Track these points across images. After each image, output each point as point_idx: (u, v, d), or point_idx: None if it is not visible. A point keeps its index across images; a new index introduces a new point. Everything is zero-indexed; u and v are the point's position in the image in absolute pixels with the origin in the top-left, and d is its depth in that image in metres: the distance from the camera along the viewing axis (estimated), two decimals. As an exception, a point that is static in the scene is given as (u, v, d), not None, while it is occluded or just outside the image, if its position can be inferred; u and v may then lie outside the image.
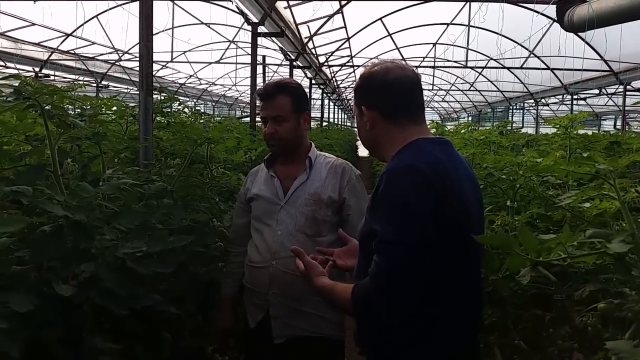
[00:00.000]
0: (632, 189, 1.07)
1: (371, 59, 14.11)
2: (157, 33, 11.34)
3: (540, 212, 1.71)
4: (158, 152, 2.72)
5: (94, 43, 12.60)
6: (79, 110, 1.73)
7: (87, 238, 1.36)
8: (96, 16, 10.93)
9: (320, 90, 16.24)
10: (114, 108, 2.59)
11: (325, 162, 2.19)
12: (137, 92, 2.78)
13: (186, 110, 3.33)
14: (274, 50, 11.18)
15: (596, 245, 1.00)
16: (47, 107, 1.39)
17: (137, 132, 2.56)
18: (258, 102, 2.21)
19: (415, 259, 1.29)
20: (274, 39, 7.04)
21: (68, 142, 1.78)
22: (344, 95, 25.62)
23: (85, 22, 11.07)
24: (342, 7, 8.20)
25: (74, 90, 2.45)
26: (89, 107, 1.71)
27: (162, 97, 2.85)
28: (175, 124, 2.70)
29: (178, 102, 3.19)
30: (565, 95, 15.90)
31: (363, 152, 19.94)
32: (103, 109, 2.45)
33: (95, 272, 1.30)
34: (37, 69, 12.67)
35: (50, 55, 12.67)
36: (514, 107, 22.23)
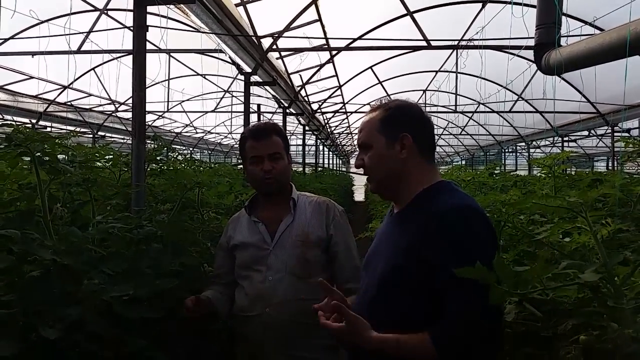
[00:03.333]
0: (603, 221, 1.11)
1: (363, 105, 14.43)
2: (152, 85, 11.60)
3: (525, 249, 1.73)
4: (151, 199, 2.75)
5: (90, 95, 12.83)
6: (71, 157, 1.77)
7: (74, 282, 1.37)
8: (93, 69, 11.17)
9: (314, 136, 16.46)
10: (108, 156, 2.64)
11: (308, 202, 2.20)
12: (132, 141, 2.83)
13: (179, 157, 3.38)
14: (268, 98, 11.42)
15: (570, 276, 1.02)
16: (37, 154, 1.43)
17: (130, 180, 2.60)
18: (248, 144, 2.20)
19: None
20: (267, 87, 7.20)
21: (59, 189, 1.81)
22: (337, 140, 25.92)
23: (82, 75, 11.32)
24: (332, 57, 8.45)
25: (67, 138, 2.51)
26: (80, 154, 1.75)
27: (156, 145, 2.91)
28: (168, 171, 2.74)
29: (172, 151, 3.25)
30: (556, 138, 16.15)
31: (359, 197, 19.88)
32: (96, 157, 2.51)
33: (82, 316, 1.30)
34: (34, 121, 12.84)
35: (47, 107, 12.86)
36: (507, 150, 22.49)
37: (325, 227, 2.12)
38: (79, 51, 6.85)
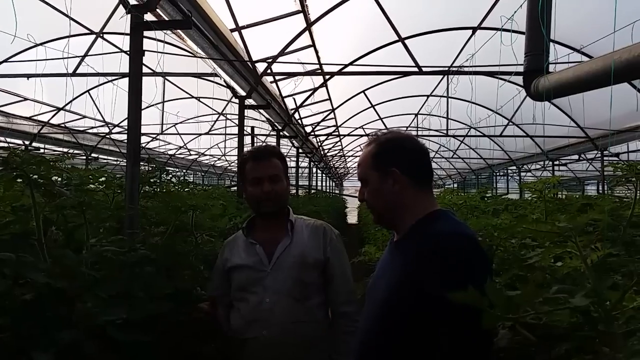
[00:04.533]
0: (592, 245, 1.13)
1: (356, 128, 14.55)
2: (147, 107, 11.65)
3: (518, 273, 1.74)
4: (144, 222, 2.75)
5: (84, 117, 12.83)
6: (66, 180, 1.77)
7: (67, 305, 1.37)
8: (88, 91, 11.21)
9: (308, 159, 16.52)
10: (102, 179, 2.65)
11: (305, 225, 2.22)
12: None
13: (173, 180, 3.39)
14: (262, 121, 11.48)
15: (561, 301, 1.03)
16: (34, 177, 1.44)
17: (124, 202, 2.60)
18: (248, 165, 2.24)
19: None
20: (261, 110, 7.26)
21: (54, 211, 1.81)
22: (331, 163, 26.01)
23: (77, 97, 11.35)
24: (325, 81, 8.56)
25: (62, 161, 2.52)
26: (75, 177, 1.76)
27: (150, 168, 2.92)
28: (162, 193, 2.74)
29: (166, 173, 3.26)
30: (547, 161, 16.32)
31: (352, 219, 19.86)
32: (90, 179, 2.51)
33: (75, 340, 1.29)
34: (27, 142, 12.82)
35: (40, 129, 12.85)
36: (498, 174, 22.66)
37: (323, 250, 2.15)
38: (74, 74, 6.89)
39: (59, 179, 2.15)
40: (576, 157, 14.82)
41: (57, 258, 1.47)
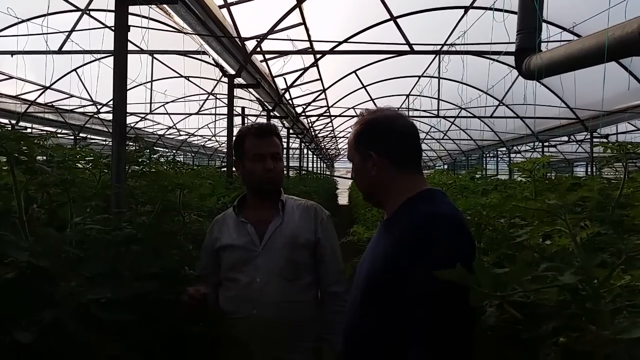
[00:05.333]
0: (582, 223, 1.12)
1: (348, 109, 14.48)
2: (135, 86, 11.48)
3: (506, 252, 1.74)
4: (132, 201, 2.72)
5: (71, 96, 12.65)
6: (48, 157, 1.73)
7: (50, 284, 1.35)
8: (75, 70, 11.02)
9: (299, 140, 16.45)
10: (88, 158, 2.60)
11: (296, 205, 2.21)
12: (115, 143, 2.78)
13: (162, 159, 3.34)
14: (252, 101, 11.37)
15: (550, 279, 1.03)
16: (14, 154, 1.40)
17: (111, 182, 2.56)
18: (248, 140, 2.20)
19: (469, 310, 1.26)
20: (251, 90, 7.18)
21: (37, 190, 1.78)
22: (322, 144, 25.94)
23: (64, 76, 11.16)
24: (316, 60, 8.47)
25: (46, 139, 2.46)
26: (59, 154, 1.72)
27: (138, 147, 2.87)
28: (150, 172, 2.70)
29: (154, 153, 3.21)
30: (536, 143, 16.38)
31: (343, 200, 19.91)
32: (75, 157, 2.47)
33: (58, 319, 1.27)
34: (14, 122, 12.62)
35: (27, 108, 12.65)
36: (488, 155, 22.74)
37: (314, 230, 2.14)
38: (60, 51, 6.74)
39: (44, 157, 2.11)
40: (565, 138, 14.89)
41: (39, 236, 1.44)
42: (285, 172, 2.28)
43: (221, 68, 5.94)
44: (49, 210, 1.69)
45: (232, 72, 5.79)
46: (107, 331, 1.51)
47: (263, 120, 11.26)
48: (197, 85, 13.26)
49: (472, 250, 1.32)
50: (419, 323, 1.26)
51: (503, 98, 12.27)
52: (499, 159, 23.33)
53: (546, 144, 15.87)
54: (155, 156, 3.20)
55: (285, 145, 13.70)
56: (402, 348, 1.31)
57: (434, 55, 9.25)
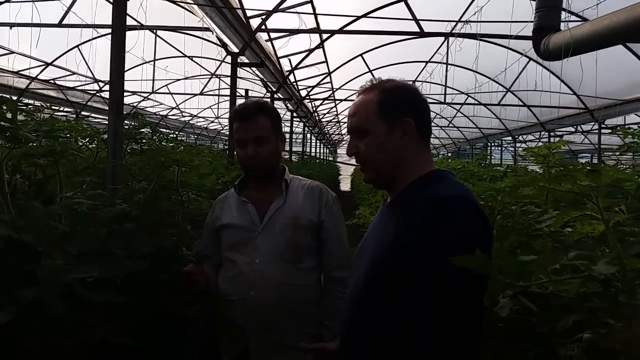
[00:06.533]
0: (616, 208, 1.01)
1: (353, 93, 14.29)
2: (138, 65, 11.32)
3: (520, 240, 1.64)
4: (129, 179, 2.63)
5: (74, 73, 12.49)
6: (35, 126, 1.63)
7: (33, 261, 1.25)
8: (77, 46, 10.85)
9: (302, 124, 16.31)
10: (85, 133, 2.51)
11: (301, 185, 2.11)
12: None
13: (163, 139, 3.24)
14: (255, 83, 11.22)
15: (580, 269, 0.93)
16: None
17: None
18: (234, 124, 2.09)
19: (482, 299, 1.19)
20: (254, 69, 7.04)
21: (24, 161, 1.68)
22: (325, 129, 25.78)
23: (66, 52, 11.01)
24: (322, 41, 8.29)
25: (39, 111, 2.36)
26: (47, 124, 1.61)
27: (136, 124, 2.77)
28: (149, 150, 2.61)
29: (156, 133, 3.10)
30: (542, 133, 16.20)
31: (345, 186, 19.86)
32: (72, 131, 2.37)
33: (39, 298, 1.18)
34: (15, 98, 12.50)
35: (28, 85, 12.51)
36: (492, 145, 22.58)
37: (317, 212, 2.04)
38: (60, 24, 6.60)
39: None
40: (572, 129, 14.71)
41: (22, 209, 1.34)
42: (286, 156, 2.13)
43: (224, 45, 5.80)
44: (36, 183, 1.59)
45: (235, 50, 5.65)
46: (96, 312, 1.42)
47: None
48: (201, 66, 13.07)
49: (490, 236, 1.22)
50: (432, 312, 1.16)
51: (511, 86, 12.10)
52: (504, 148, 23.16)
53: (552, 134, 15.70)
54: (155, 136, 3.10)
55: (288, 129, 13.66)
56: (409, 341, 1.21)
57: (442, 40, 9.09)
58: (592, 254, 0.90)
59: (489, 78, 12.27)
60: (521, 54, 9.69)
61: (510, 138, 19.03)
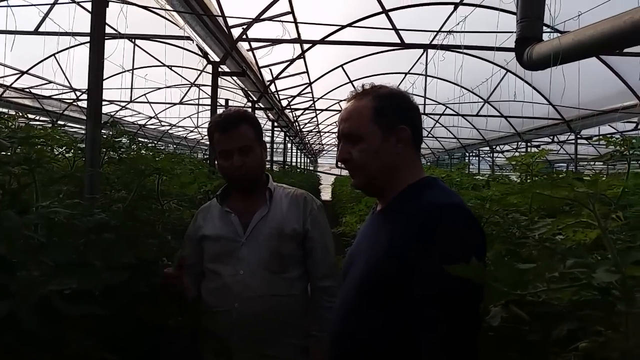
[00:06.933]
0: (613, 215, 1.00)
1: (334, 103, 14.33)
2: (116, 73, 11.17)
3: (508, 248, 1.62)
4: (107, 189, 2.56)
5: (50, 82, 12.26)
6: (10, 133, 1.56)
7: (7, 273, 1.19)
8: (54, 55, 10.66)
9: (283, 133, 16.28)
10: (62, 142, 2.44)
11: (285, 193, 2.07)
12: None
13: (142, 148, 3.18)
14: (236, 93, 11.17)
15: (577, 276, 0.91)
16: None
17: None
18: (215, 135, 2.04)
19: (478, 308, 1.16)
20: (235, 79, 6.99)
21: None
22: (306, 139, 25.79)
23: (42, 60, 10.81)
24: (303, 52, 8.29)
25: (13, 120, 2.29)
26: (22, 131, 1.55)
27: (114, 132, 2.71)
28: (129, 158, 2.54)
29: (135, 143, 3.03)
30: (519, 143, 16.44)
31: (326, 196, 19.86)
32: (48, 138, 2.30)
33: (14, 311, 1.12)
34: (-12, 107, 12.21)
35: (2, 93, 12.25)
36: (470, 155, 22.86)
37: (302, 221, 2.00)
38: (36, 32, 6.46)
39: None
40: (549, 139, 14.97)
41: (-4, 219, 1.28)
42: (268, 165, 2.07)
43: (205, 54, 5.75)
44: (10, 192, 1.52)
45: (216, 59, 5.60)
46: (74, 326, 1.36)
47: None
48: (180, 75, 12.98)
49: (484, 243, 1.20)
50: (430, 322, 1.13)
51: (489, 97, 12.27)
52: (481, 158, 23.46)
53: (529, 144, 15.94)
54: (134, 145, 3.04)
55: (269, 137, 13.61)
56: (405, 351, 1.17)
57: (421, 52, 9.20)
58: (590, 262, 0.89)
59: (468, 90, 12.44)
60: (500, 66, 9.85)
61: (487, 148, 19.29)
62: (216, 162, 2.22)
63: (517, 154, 20.07)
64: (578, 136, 11.94)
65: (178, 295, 1.89)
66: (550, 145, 15.61)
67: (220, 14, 5.11)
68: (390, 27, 6.47)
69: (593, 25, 2.49)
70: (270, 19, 6.06)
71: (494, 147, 18.62)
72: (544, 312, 1.31)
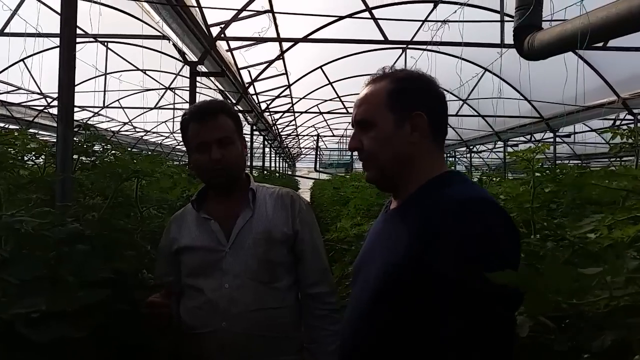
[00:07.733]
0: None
1: (313, 106, 14.22)
2: (88, 79, 10.84)
3: (532, 249, 1.49)
4: (81, 196, 2.37)
5: (19, 88, 11.84)
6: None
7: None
8: (22, 60, 10.27)
9: (262, 137, 16.09)
10: (30, 146, 2.24)
11: (269, 193, 1.86)
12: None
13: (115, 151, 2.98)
14: (213, 97, 10.92)
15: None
16: None
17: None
18: (191, 126, 1.82)
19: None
20: (214, 80, 6.80)
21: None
22: (285, 143, 25.63)
23: (10, 66, 10.41)
24: (283, 52, 8.13)
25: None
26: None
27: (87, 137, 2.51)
28: (103, 163, 2.35)
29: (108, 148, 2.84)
30: (497, 143, 16.54)
31: (307, 199, 19.79)
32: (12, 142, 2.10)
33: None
34: (-47, 115, 11.73)
35: (-32, 100, 11.79)
36: (447, 155, 23.03)
37: (291, 222, 1.79)
38: (2, 33, 6.16)
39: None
40: (527, 138, 15.09)
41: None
42: (246, 170, 1.81)
43: (183, 55, 5.55)
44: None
45: (194, 59, 5.40)
46: (43, 352, 1.18)
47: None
48: (156, 80, 12.67)
49: (519, 244, 1.05)
50: (458, 331, 0.98)
51: (467, 97, 12.29)
52: (457, 159, 23.64)
53: (507, 144, 16.06)
54: (110, 146, 2.85)
55: (248, 140, 13.40)
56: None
57: (400, 52, 9.13)
58: (658, 263, 0.75)
59: (447, 91, 12.44)
60: (479, 66, 9.85)
61: (464, 148, 19.40)
62: (188, 162, 2.01)
63: (492, 154, 20.28)
64: (557, 134, 12.02)
65: (165, 325, 1.69)
66: (529, 144, 15.76)
67: (198, 9, 4.92)
68: (373, 24, 6.37)
69: (604, 8, 2.38)
70: (249, 17, 5.89)
71: (471, 147, 18.72)
72: (560, 318, 1.19)
